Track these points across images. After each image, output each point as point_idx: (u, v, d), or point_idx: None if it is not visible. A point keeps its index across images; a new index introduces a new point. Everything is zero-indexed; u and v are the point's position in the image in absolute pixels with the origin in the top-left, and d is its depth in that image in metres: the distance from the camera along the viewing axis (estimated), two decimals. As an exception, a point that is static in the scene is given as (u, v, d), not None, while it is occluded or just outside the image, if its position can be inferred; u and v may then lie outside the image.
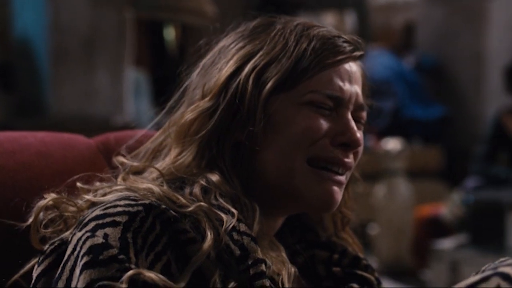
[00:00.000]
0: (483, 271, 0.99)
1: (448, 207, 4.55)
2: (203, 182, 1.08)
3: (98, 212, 0.99)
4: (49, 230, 1.07)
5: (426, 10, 6.29)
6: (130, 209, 0.98)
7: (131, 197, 1.01)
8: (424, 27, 6.32)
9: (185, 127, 1.15)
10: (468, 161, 5.12)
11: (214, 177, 1.10)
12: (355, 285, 1.26)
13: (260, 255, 1.04)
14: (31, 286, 1.03)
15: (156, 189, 1.04)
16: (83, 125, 3.92)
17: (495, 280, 0.91)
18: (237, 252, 1.02)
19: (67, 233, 1.03)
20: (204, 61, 1.23)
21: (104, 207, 1.00)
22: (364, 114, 1.20)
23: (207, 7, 4.04)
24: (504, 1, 5.96)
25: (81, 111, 4.23)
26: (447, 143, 5.97)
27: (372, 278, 1.29)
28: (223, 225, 1.02)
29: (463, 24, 6.02)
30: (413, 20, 6.67)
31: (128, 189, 1.06)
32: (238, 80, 1.14)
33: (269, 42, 1.16)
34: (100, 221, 0.97)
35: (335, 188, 1.15)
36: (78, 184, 1.13)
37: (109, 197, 1.04)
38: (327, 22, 7.58)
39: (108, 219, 0.97)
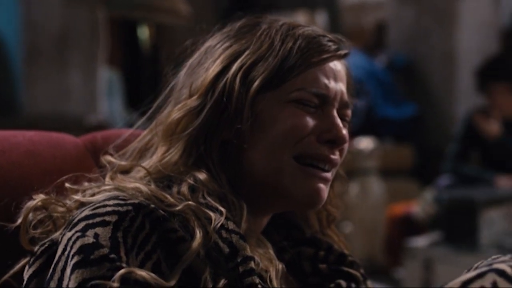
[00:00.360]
0: (476, 268, 1.01)
1: (420, 206, 4.59)
2: (190, 181, 1.09)
3: (87, 212, 1.00)
4: (38, 231, 1.08)
5: (397, 10, 6.32)
6: (120, 208, 0.99)
7: (120, 197, 1.02)
8: (395, 26, 6.35)
9: (172, 125, 1.16)
10: (440, 160, 5.16)
11: (202, 176, 1.11)
12: (342, 281, 1.27)
13: (249, 252, 1.05)
14: (22, 287, 1.03)
15: (144, 188, 1.05)
16: (57, 124, 3.90)
17: (491, 276, 0.92)
18: (226, 249, 1.03)
19: (57, 233, 1.03)
20: (190, 61, 1.24)
21: (94, 207, 1.00)
22: (349, 112, 1.23)
23: (181, 6, 4.03)
24: (474, 2, 6.01)
25: (54, 110, 4.21)
26: (419, 142, 6.01)
27: (358, 274, 1.31)
28: (211, 223, 1.03)
29: (434, 24, 6.05)
30: (384, 20, 6.70)
31: (116, 188, 1.06)
32: (225, 79, 1.15)
33: (256, 41, 1.18)
34: (90, 221, 0.98)
35: (321, 185, 1.17)
36: (67, 184, 1.14)
37: (98, 197, 1.05)
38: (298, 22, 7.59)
39: (98, 219, 0.98)
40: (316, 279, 1.30)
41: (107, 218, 0.98)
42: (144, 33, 4.34)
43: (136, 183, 1.07)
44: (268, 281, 1.09)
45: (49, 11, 4.19)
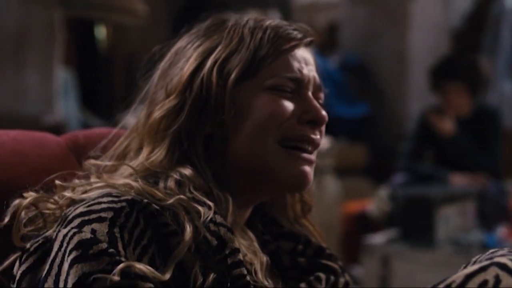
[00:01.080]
0: (475, 262, 1.03)
1: (374, 203, 4.64)
2: (176, 176, 1.11)
3: (82, 209, 1.01)
4: (29, 228, 1.08)
5: (349, 10, 6.36)
6: (114, 205, 1.00)
7: (113, 194, 1.03)
8: (347, 27, 6.40)
9: (154, 125, 1.19)
10: (392, 159, 5.21)
11: (187, 171, 1.13)
12: (321, 274, 1.30)
13: (236, 244, 1.08)
14: (15, 283, 1.04)
15: (134, 184, 1.07)
16: (13, 124, 3.86)
17: (493, 270, 0.94)
18: (214, 242, 1.05)
19: (50, 231, 1.04)
20: (162, 64, 1.27)
21: (88, 204, 1.02)
22: (322, 95, 1.27)
23: (138, 6, 4.03)
24: (426, 3, 6.09)
25: (11, 110, 4.17)
26: (372, 141, 6.06)
27: (336, 266, 1.34)
28: (200, 217, 1.05)
29: (385, 25, 6.11)
30: (336, 20, 6.75)
31: (107, 185, 1.08)
32: (201, 75, 1.18)
33: (226, 36, 1.21)
34: (86, 217, 0.99)
35: (307, 167, 1.20)
36: (57, 181, 1.15)
37: (90, 194, 1.06)
38: (251, 21, 7.61)
39: (94, 215, 0.99)
40: (295, 272, 1.32)
41: (103, 214, 0.99)
42: (101, 33, 4.32)
43: (126, 180, 1.09)
44: (253, 273, 1.12)
45: (5, 11, 4.15)
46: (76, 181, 1.16)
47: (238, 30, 1.22)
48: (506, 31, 6.11)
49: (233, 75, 1.18)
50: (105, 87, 4.87)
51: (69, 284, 0.93)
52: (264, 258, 1.18)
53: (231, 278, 1.04)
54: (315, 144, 1.22)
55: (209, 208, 1.08)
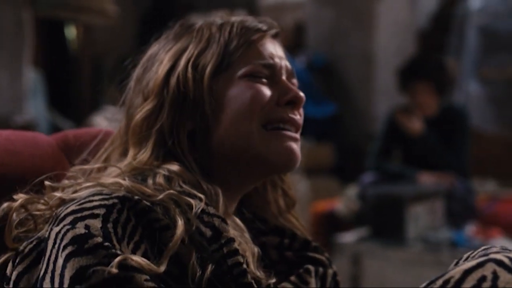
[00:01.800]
0: (467, 258, 1.06)
1: (343, 203, 4.66)
2: (164, 172, 1.14)
3: (74, 207, 1.02)
4: (21, 230, 1.10)
5: (315, 11, 6.39)
6: (106, 202, 1.02)
7: (104, 192, 1.05)
8: (314, 27, 6.42)
9: (136, 128, 1.22)
10: (359, 158, 5.25)
11: (174, 167, 1.16)
12: (310, 266, 1.32)
13: (231, 234, 1.10)
14: (9, 284, 1.05)
15: (123, 182, 1.08)
16: (-18, 125, 3.84)
17: (491, 266, 0.96)
18: (209, 233, 1.07)
19: (43, 231, 1.06)
20: (136, 71, 1.29)
21: (79, 202, 1.03)
22: (296, 81, 1.31)
23: (108, 6, 4.02)
24: (391, 4, 6.13)
25: (-20, 110, 4.14)
26: (339, 141, 6.09)
27: (324, 258, 1.37)
28: (192, 209, 1.08)
29: (352, 25, 6.15)
30: (302, 20, 6.77)
31: (98, 184, 1.09)
32: (176, 74, 1.22)
33: (195, 36, 1.26)
34: (79, 215, 1.00)
35: (294, 144, 1.24)
36: (46, 182, 1.16)
37: (80, 194, 1.07)
38: (218, 22, 7.62)
39: (86, 213, 1.00)
40: (283, 266, 1.34)
41: (95, 211, 1.00)
42: (71, 33, 4.30)
43: (115, 178, 1.10)
44: (245, 263, 1.13)
45: (-26, 11, 4.12)
46: (66, 181, 1.17)
47: (207, 29, 1.26)
48: (471, 31, 6.19)
49: (208, 69, 1.22)
50: (73, 88, 4.84)
51: (66, 277, 0.94)
52: (255, 249, 1.20)
53: (227, 267, 1.06)
54: (296, 124, 1.25)
55: (200, 200, 1.10)
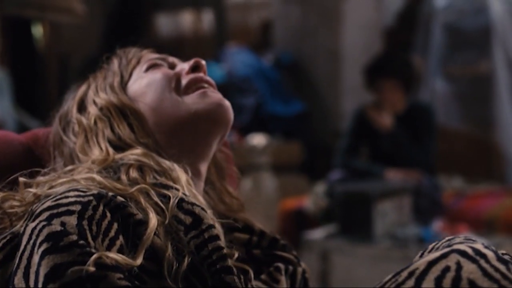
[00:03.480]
0: (432, 249, 1.08)
1: (311, 200, 4.68)
2: (133, 161, 1.18)
3: (49, 203, 1.02)
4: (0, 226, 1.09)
5: (282, 9, 6.41)
6: (81, 199, 1.02)
7: (79, 188, 1.05)
8: (280, 25, 6.44)
9: (82, 151, 1.28)
10: (327, 155, 5.27)
11: (137, 150, 1.22)
12: (280, 264, 1.33)
13: (211, 221, 1.10)
14: None
15: (97, 177, 1.10)
16: None
17: (454, 257, 0.97)
18: (189, 220, 1.09)
19: (17, 226, 1.05)
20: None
21: (55, 198, 1.03)
22: None
23: (76, 5, 4.00)
24: (358, 2, 6.17)
25: None
26: (306, 138, 6.11)
27: (292, 257, 1.37)
28: (169, 200, 1.09)
29: (319, 23, 6.17)
30: (269, 18, 6.79)
31: (73, 180, 1.10)
32: (91, 99, 1.36)
33: (91, 80, 1.41)
34: (55, 211, 1.00)
35: (219, 95, 1.33)
36: (21, 178, 1.16)
37: (56, 190, 1.08)
38: (185, 21, 7.62)
39: (62, 209, 1.00)
40: (252, 265, 1.35)
41: (71, 207, 1.00)
42: (37, 31, 4.27)
43: (89, 174, 1.12)
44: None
45: None
46: (40, 178, 1.18)
47: (98, 75, 1.41)
48: (437, 29, 6.23)
49: (115, 83, 1.35)
50: (40, 86, 4.82)
51: (41, 275, 0.94)
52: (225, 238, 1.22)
53: (208, 252, 1.07)
54: (209, 82, 1.35)
55: (177, 190, 1.12)
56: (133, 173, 1.13)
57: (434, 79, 6.22)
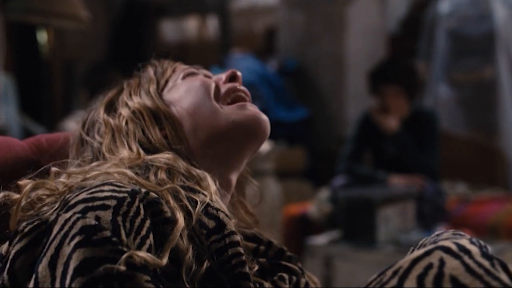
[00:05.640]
0: (420, 246, 1.09)
1: (315, 205, 4.68)
2: (161, 164, 1.19)
3: (85, 195, 1.03)
4: (27, 213, 1.10)
5: (286, 15, 6.41)
6: (117, 194, 1.03)
7: (114, 183, 1.06)
8: (285, 31, 6.44)
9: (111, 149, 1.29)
10: (331, 161, 5.27)
11: (166, 155, 1.23)
12: (284, 274, 1.34)
13: (234, 228, 1.12)
14: (7, 263, 1.04)
15: (129, 172, 1.12)
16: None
17: (438, 253, 0.98)
18: (212, 224, 1.10)
19: (47, 214, 1.05)
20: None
21: (91, 191, 1.04)
22: None
23: (81, 12, 4.01)
24: (362, 8, 6.17)
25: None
26: (310, 144, 6.11)
27: (296, 268, 1.39)
28: (196, 205, 1.11)
29: (323, 29, 6.17)
30: (274, 24, 6.79)
31: (106, 173, 1.13)
32: (123, 101, 1.37)
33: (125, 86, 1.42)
34: (90, 204, 1.01)
35: (256, 109, 1.34)
36: (53, 168, 1.19)
37: (90, 182, 1.09)
38: (189, 27, 7.63)
39: (98, 203, 1.01)
40: (256, 273, 1.36)
41: (106, 202, 1.01)
42: (43, 37, 4.28)
43: (120, 168, 1.13)
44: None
45: None
46: (73, 169, 1.19)
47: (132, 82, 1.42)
48: (440, 35, 6.23)
49: (151, 88, 1.36)
50: (45, 92, 4.83)
51: (71, 267, 0.94)
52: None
53: (228, 256, 1.08)
54: (246, 93, 1.36)
55: (204, 195, 1.14)
56: (162, 175, 1.15)
57: (438, 85, 6.22)
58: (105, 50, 6.60)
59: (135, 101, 1.34)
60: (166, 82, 1.39)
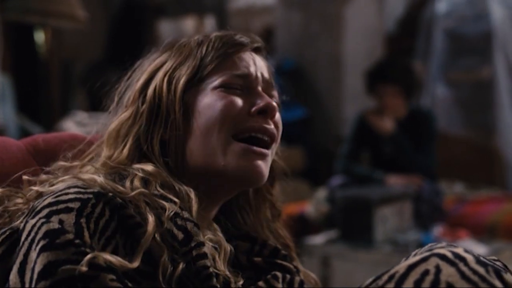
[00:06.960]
0: (415, 254, 1.09)
1: (312, 205, 4.68)
2: (140, 174, 1.16)
3: (50, 199, 1.05)
4: (4, 220, 1.12)
5: (284, 15, 6.41)
6: (81, 196, 1.05)
7: (79, 185, 1.08)
8: (283, 31, 6.44)
9: (112, 133, 1.25)
10: (329, 161, 5.27)
11: (149, 167, 1.19)
12: (277, 272, 1.34)
13: (201, 238, 1.12)
14: None
15: (98, 179, 1.11)
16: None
17: (434, 260, 1.00)
18: (181, 235, 1.09)
19: (17, 222, 1.08)
20: (124, 78, 1.33)
21: (56, 195, 1.06)
22: (276, 93, 1.35)
23: (79, 11, 4.01)
24: (360, 8, 6.17)
25: None
26: (308, 144, 6.11)
27: (291, 266, 1.38)
28: (165, 212, 1.10)
29: (320, 29, 6.17)
30: (271, 24, 6.79)
31: (74, 178, 1.12)
32: (153, 86, 1.26)
33: (176, 51, 1.30)
34: (54, 208, 1.02)
35: (259, 161, 1.25)
36: (24, 177, 1.20)
37: (57, 186, 1.10)
38: (187, 27, 7.63)
39: (61, 206, 1.03)
40: (251, 272, 1.36)
41: (70, 204, 1.03)
42: (40, 37, 4.28)
43: (91, 175, 1.13)
44: (215, 263, 1.15)
45: None
46: (44, 176, 1.20)
47: (188, 44, 1.30)
48: (438, 35, 6.24)
49: (181, 82, 1.25)
50: (43, 92, 4.84)
51: (36, 272, 0.96)
52: (228, 248, 1.21)
53: (196, 269, 1.08)
54: (269, 134, 1.27)
55: (175, 204, 1.13)
56: (137, 182, 1.14)
57: (435, 85, 6.23)
58: (103, 50, 6.60)
59: (162, 87, 1.25)
60: (203, 78, 1.27)
